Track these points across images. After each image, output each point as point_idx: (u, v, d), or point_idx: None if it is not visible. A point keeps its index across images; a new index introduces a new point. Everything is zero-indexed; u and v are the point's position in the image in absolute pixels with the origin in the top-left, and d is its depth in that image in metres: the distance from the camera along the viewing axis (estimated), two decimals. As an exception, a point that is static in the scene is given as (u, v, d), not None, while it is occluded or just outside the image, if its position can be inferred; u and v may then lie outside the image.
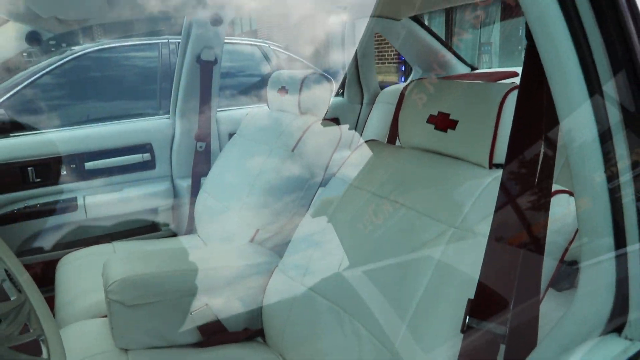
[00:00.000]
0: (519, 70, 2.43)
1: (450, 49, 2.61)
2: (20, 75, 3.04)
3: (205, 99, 2.12)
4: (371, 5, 2.17)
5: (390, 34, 2.40)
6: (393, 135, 2.34)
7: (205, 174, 2.10)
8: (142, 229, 2.16)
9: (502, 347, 0.69)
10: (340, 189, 1.23)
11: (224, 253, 1.48)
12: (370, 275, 1.01)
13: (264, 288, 1.30)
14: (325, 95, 1.76)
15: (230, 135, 2.24)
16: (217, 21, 1.94)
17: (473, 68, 2.74)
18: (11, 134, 2.01)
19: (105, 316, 1.36)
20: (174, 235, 2.21)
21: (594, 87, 0.51)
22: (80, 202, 2.03)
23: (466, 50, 5.70)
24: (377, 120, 2.47)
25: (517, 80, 2.23)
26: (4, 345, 0.75)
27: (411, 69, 2.76)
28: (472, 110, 0.98)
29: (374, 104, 2.57)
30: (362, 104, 2.62)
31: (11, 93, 2.92)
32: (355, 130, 2.58)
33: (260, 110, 1.97)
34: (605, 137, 0.51)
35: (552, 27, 0.54)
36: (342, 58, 3.01)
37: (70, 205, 2.03)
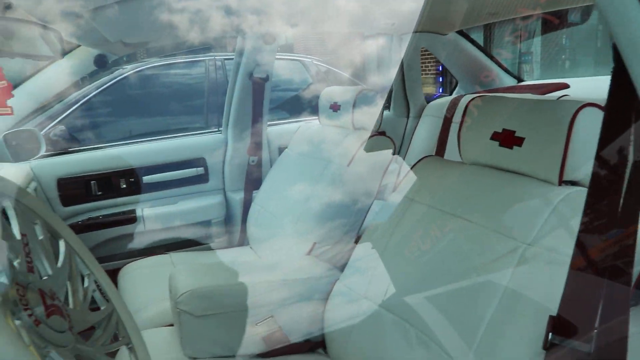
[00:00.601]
0: (568, 80, 2.40)
1: (496, 61, 2.60)
2: (75, 95, 3.21)
3: (257, 115, 2.18)
4: (415, 20, 2.19)
5: (436, 48, 2.42)
6: (441, 148, 2.36)
7: (258, 188, 2.16)
8: (196, 240, 2.23)
9: (588, 365, 0.69)
10: (402, 204, 1.25)
11: (284, 266, 1.52)
12: (437, 290, 1.03)
13: (325, 300, 1.33)
14: (377, 110, 1.80)
15: (280, 150, 2.30)
16: (269, 40, 2.01)
17: (519, 80, 2.72)
18: (71, 149, 2.13)
19: (171, 325, 1.42)
20: (226, 247, 2.28)
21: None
22: (139, 214, 2.12)
23: (506, 60, 5.64)
24: (425, 133, 2.49)
25: (567, 91, 2.20)
26: (100, 351, 0.80)
27: (456, 82, 2.76)
28: (539, 128, 0.98)
29: (420, 117, 2.58)
30: (408, 117, 2.64)
31: (70, 111, 3.08)
32: (402, 143, 2.59)
33: (312, 125, 2.02)
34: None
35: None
36: (387, 72, 3.04)
37: (129, 217, 2.12)
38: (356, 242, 1.40)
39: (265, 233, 1.92)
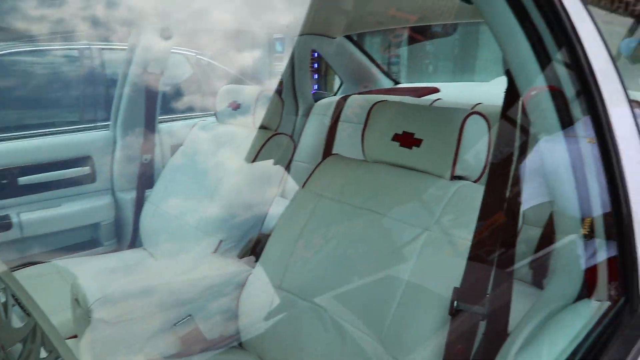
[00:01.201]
0: (438, 85, 2.73)
1: (378, 65, 2.84)
2: None
3: (150, 111, 2.11)
4: (305, 23, 2.31)
5: (325, 50, 2.57)
6: (330, 145, 2.51)
7: (150, 187, 2.09)
8: (84, 244, 2.09)
9: (482, 324, 0.86)
10: (312, 200, 1.35)
11: (192, 265, 1.52)
12: (351, 274, 1.14)
13: (239, 295, 1.38)
14: (277, 110, 1.87)
15: (173, 147, 2.25)
16: (165, 34, 1.96)
17: (396, 82, 3.00)
18: None
19: (74, 337, 1.34)
20: (117, 250, 2.17)
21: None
22: (14, 219, 1.92)
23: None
24: (313, 130, 2.62)
25: (438, 95, 2.50)
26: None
27: (341, 82, 2.95)
28: (435, 131, 1.15)
29: (308, 115, 2.72)
30: (297, 116, 2.75)
31: None
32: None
33: (209, 123, 2.02)
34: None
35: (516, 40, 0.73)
36: (273, 71, 3.12)
37: (1, 224, 1.91)
38: (267, 237, 1.47)
39: (163, 233, 1.88)
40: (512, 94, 0.78)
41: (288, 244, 1.33)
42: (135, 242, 2.16)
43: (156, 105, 2.14)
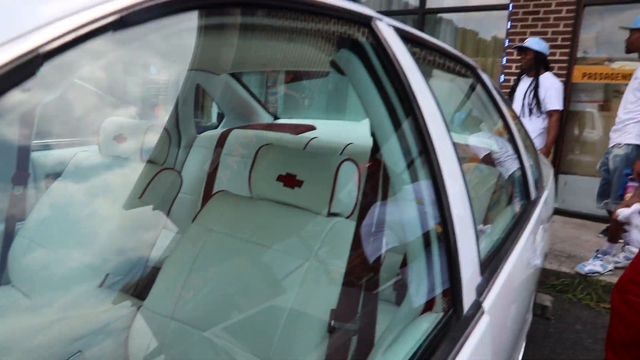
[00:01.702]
0: (314, 122, 2.99)
1: (259, 101, 3.02)
2: None
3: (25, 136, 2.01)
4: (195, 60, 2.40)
5: (210, 86, 2.68)
6: (212, 177, 2.60)
7: (22, 219, 1.98)
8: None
9: (354, 338, 1.05)
10: (202, 234, 1.44)
11: (77, 301, 1.50)
12: (242, 303, 1.27)
13: (129, 329, 1.40)
14: (165, 144, 1.93)
15: (47, 176, 2.15)
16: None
17: (275, 117, 3.20)
18: None
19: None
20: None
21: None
22: None
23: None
24: (195, 162, 2.69)
25: (315, 133, 2.75)
26: None
27: (222, 116, 3.07)
28: (314, 173, 1.34)
29: (190, 147, 2.78)
30: (179, 148, 2.79)
31: None
32: (176, 171, 2.73)
33: (91, 154, 1.99)
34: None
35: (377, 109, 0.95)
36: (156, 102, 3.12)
37: None
38: (154, 269, 1.51)
39: (39, 269, 1.80)
40: (375, 149, 1.00)
41: (180, 276, 1.40)
42: (1, 279, 2.01)
43: (32, 129, 2.04)
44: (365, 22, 0.96)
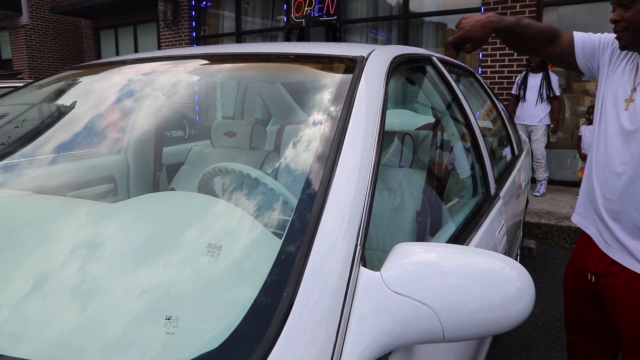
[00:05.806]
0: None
1: (298, 103, 3.81)
2: None
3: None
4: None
5: (265, 92, 3.46)
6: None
7: (157, 198, 2.72)
8: None
9: None
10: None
11: None
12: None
13: None
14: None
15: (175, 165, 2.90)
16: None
17: (309, 115, 3.99)
18: None
19: None
20: None
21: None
22: None
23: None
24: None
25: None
26: None
27: (271, 116, 3.85)
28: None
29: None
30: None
31: None
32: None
33: (204, 147, 2.75)
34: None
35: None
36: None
37: None
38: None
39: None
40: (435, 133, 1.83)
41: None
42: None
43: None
44: (428, 58, 1.79)
